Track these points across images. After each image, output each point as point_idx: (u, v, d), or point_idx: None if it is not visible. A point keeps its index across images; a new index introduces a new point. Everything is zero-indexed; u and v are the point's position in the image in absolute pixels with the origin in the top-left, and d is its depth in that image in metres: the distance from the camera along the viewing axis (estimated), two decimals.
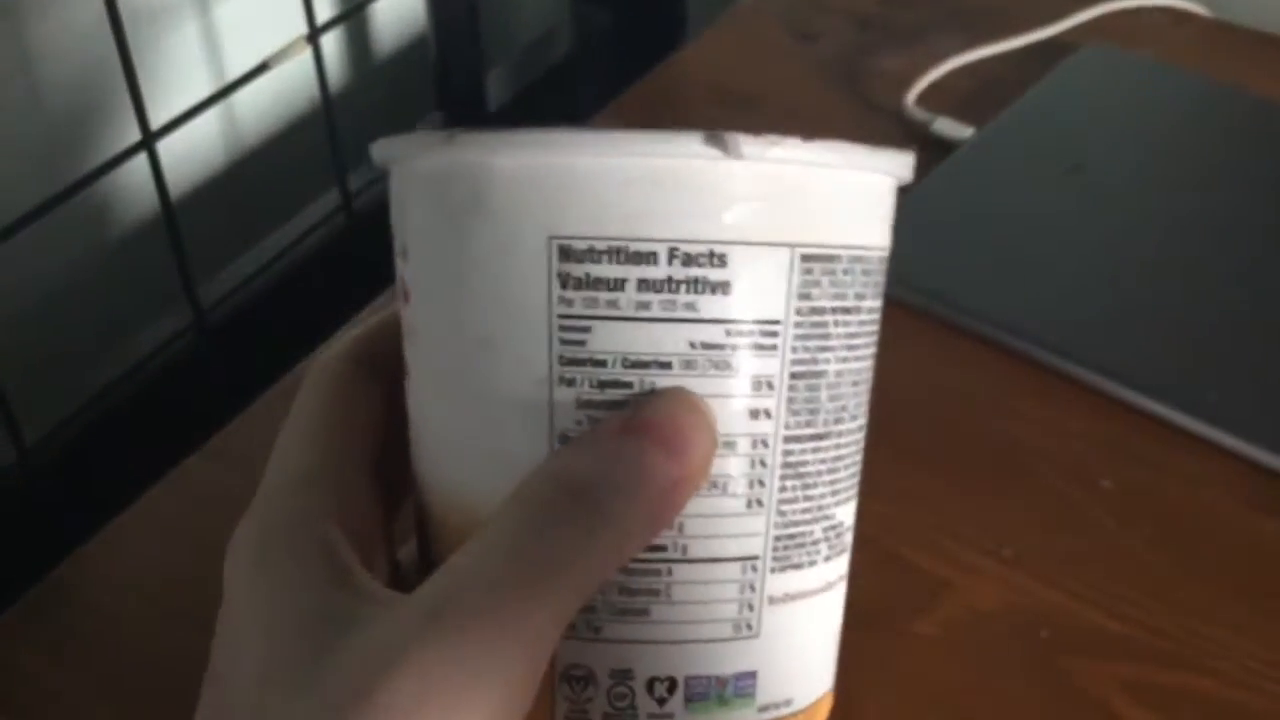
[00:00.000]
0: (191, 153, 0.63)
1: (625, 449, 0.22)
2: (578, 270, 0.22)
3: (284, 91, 0.67)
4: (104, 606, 0.44)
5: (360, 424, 0.26)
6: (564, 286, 0.22)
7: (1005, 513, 0.46)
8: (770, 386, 0.23)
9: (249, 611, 0.23)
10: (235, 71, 0.57)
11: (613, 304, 0.22)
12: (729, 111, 0.65)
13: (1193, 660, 0.41)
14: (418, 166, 0.24)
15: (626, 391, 0.22)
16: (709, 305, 0.22)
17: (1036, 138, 0.62)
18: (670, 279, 0.22)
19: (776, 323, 0.23)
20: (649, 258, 0.22)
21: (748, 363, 0.23)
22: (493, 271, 0.22)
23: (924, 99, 0.64)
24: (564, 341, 0.22)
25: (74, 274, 0.60)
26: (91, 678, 0.42)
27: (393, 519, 0.26)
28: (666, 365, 0.22)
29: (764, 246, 0.22)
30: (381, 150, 0.24)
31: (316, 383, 0.26)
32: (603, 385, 0.22)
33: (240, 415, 0.50)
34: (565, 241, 0.22)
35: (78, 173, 0.51)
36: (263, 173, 0.68)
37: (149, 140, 0.52)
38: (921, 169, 0.25)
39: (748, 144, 0.22)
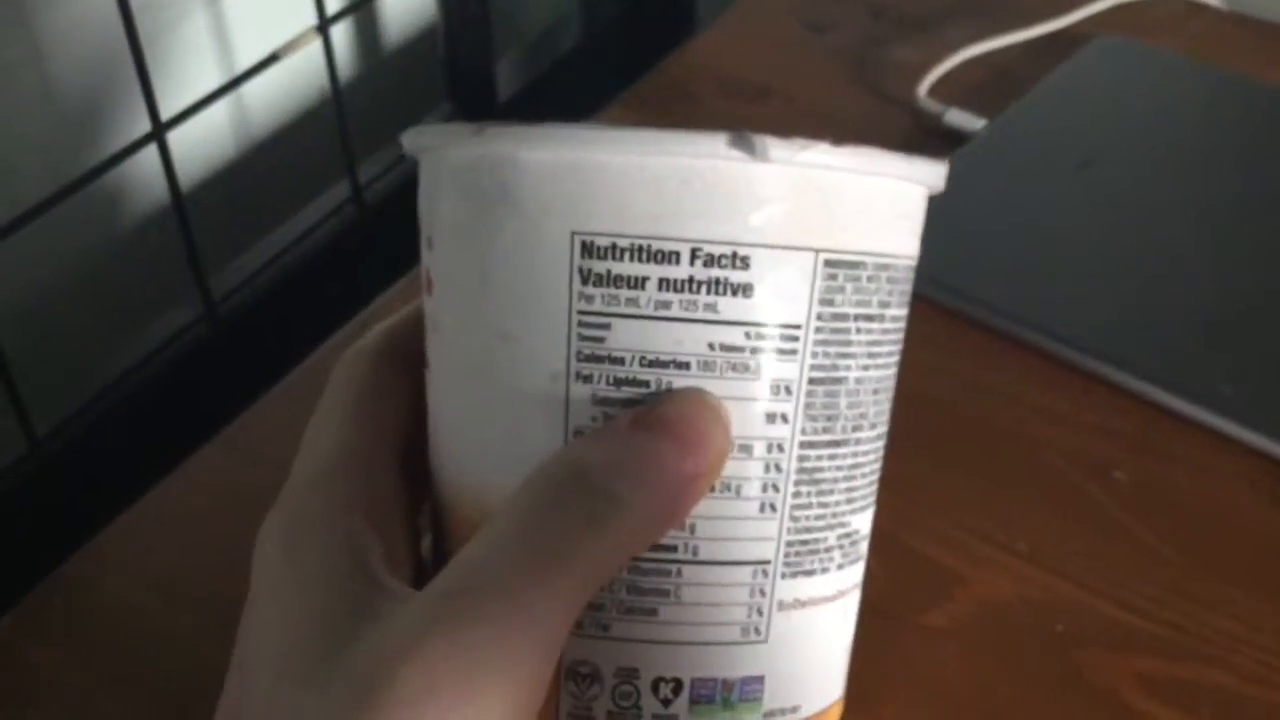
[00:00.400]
0: (201, 144, 0.62)
1: (638, 442, 0.22)
2: (599, 267, 0.22)
3: (294, 82, 0.67)
4: (114, 598, 0.44)
5: (388, 417, 0.26)
6: (585, 283, 0.22)
7: (1018, 506, 0.45)
8: (789, 391, 0.23)
9: (272, 603, 0.23)
10: (245, 62, 0.57)
11: (633, 302, 0.22)
12: (739, 103, 0.65)
13: (1207, 653, 0.41)
14: (447, 157, 0.23)
15: (643, 390, 0.22)
16: (730, 307, 0.22)
17: (1049, 129, 0.61)
18: (692, 279, 0.22)
19: (797, 327, 0.22)
20: (671, 257, 0.22)
21: (767, 366, 0.22)
22: (515, 265, 0.22)
23: (936, 90, 0.64)
24: (583, 338, 0.22)
25: (84, 266, 0.60)
26: (101, 670, 0.42)
27: (418, 512, 0.26)
28: (685, 365, 0.22)
29: (788, 250, 0.22)
30: (412, 140, 0.24)
31: (346, 375, 0.26)
32: (620, 383, 0.22)
33: (250, 407, 0.50)
34: (588, 237, 0.22)
35: (87, 164, 0.51)
36: (273, 164, 0.68)
37: (159, 131, 0.52)
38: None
39: (776, 147, 0.21)
